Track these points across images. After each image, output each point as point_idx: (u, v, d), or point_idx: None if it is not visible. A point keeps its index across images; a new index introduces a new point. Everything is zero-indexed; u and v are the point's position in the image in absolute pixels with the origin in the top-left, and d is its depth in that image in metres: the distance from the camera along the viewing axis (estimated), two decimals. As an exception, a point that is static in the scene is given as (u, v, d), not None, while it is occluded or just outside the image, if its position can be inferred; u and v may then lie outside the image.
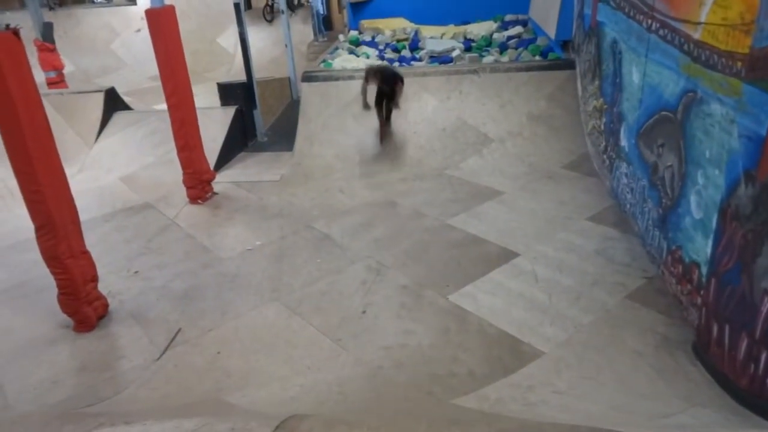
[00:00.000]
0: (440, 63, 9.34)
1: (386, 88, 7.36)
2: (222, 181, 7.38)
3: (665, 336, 3.94)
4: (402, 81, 7.29)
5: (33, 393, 3.94)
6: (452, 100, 7.96)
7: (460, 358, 3.99)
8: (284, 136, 8.74)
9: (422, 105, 7.99)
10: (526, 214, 5.97)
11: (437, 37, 10.94)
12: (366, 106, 7.47)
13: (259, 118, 8.96)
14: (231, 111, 8.51)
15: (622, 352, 3.82)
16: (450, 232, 5.73)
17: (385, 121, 7.64)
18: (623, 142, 5.62)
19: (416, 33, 11.16)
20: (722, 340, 3.42)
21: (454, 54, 9.60)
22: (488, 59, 9.16)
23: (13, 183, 4.47)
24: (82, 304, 4.64)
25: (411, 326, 4.38)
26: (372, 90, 7.48)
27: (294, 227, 6.13)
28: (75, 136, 8.47)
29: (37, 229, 4.45)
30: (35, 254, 4.59)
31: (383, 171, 7.36)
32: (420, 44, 10.56)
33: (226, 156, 8.05)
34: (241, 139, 8.62)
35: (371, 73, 7.38)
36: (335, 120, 8.04)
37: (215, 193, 7.10)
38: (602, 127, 6.43)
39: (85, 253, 4.75)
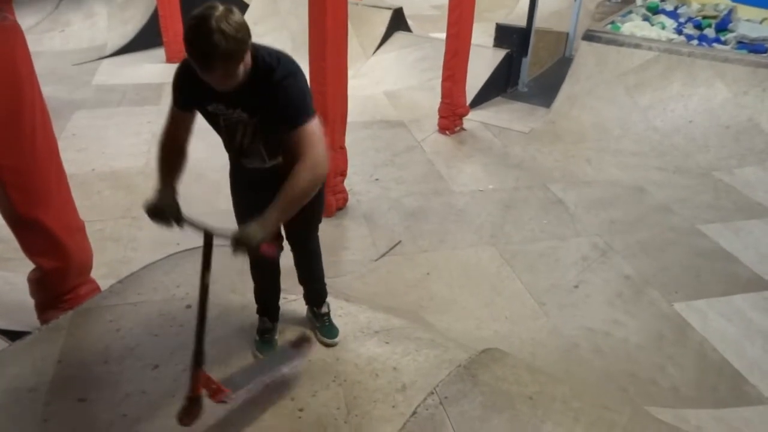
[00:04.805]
0: (749, 51, 8.05)
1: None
2: (472, 119, 7.49)
3: None
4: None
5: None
6: (749, 97, 6.88)
7: (667, 370, 3.68)
8: (545, 91, 8.46)
9: (711, 94, 7.05)
10: (800, 247, 5.06)
11: (756, 22, 9.38)
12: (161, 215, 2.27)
13: (525, 67, 8.76)
14: (501, 54, 8.45)
15: None
16: (697, 239, 5.13)
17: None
18: None
19: (730, 12, 9.69)
20: None
21: (771, 44, 8.19)
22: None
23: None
24: (328, 193, 5.21)
25: (622, 318, 4.13)
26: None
27: (529, 183, 6.04)
28: (357, 45, 9.22)
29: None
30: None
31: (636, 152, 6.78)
32: (731, 26, 9.18)
33: (483, 96, 8.10)
34: (502, 83, 8.58)
35: (185, 86, 2.26)
36: (605, 87, 7.53)
37: (463, 129, 7.27)
38: None
39: (343, 149, 5.27)
